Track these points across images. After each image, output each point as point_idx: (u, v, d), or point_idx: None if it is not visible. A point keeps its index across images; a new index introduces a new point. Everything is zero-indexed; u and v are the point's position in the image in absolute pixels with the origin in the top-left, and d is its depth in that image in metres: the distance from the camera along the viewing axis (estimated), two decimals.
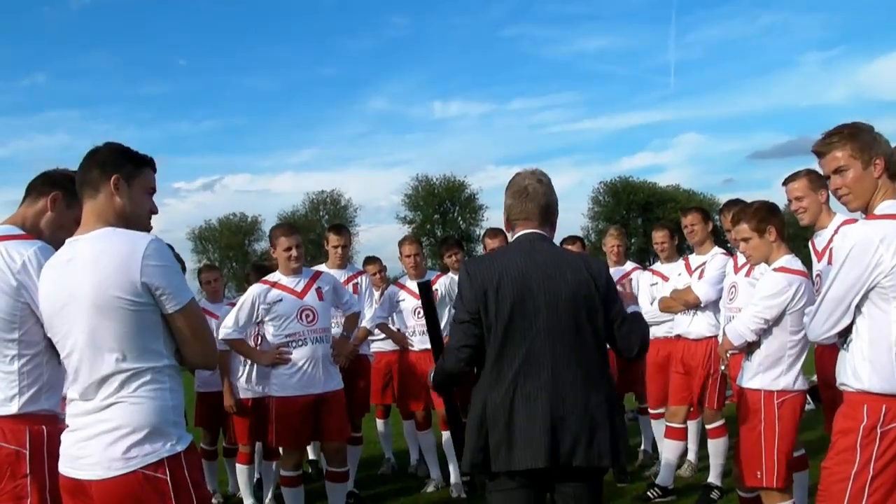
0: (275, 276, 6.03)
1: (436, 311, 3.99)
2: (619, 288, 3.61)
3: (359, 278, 7.25)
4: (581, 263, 3.45)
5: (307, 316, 5.86)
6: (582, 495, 3.36)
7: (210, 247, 74.48)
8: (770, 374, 4.52)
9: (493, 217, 70.53)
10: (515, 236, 3.52)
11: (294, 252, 5.91)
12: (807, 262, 4.71)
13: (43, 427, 3.27)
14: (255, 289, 5.95)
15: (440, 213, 75.54)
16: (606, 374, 3.45)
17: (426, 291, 4.04)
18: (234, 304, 6.89)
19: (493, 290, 3.29)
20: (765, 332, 4.51)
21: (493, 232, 7.12)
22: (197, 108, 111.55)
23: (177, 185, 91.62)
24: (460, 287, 3.44)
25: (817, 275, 4.72)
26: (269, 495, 6.97)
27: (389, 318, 7.45)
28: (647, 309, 7.05)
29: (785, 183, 4.87)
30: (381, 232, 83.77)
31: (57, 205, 3.48)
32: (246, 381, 6.76)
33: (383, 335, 7.54)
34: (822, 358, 4.69)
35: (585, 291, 3.34)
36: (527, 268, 3.33)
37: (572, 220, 74.61)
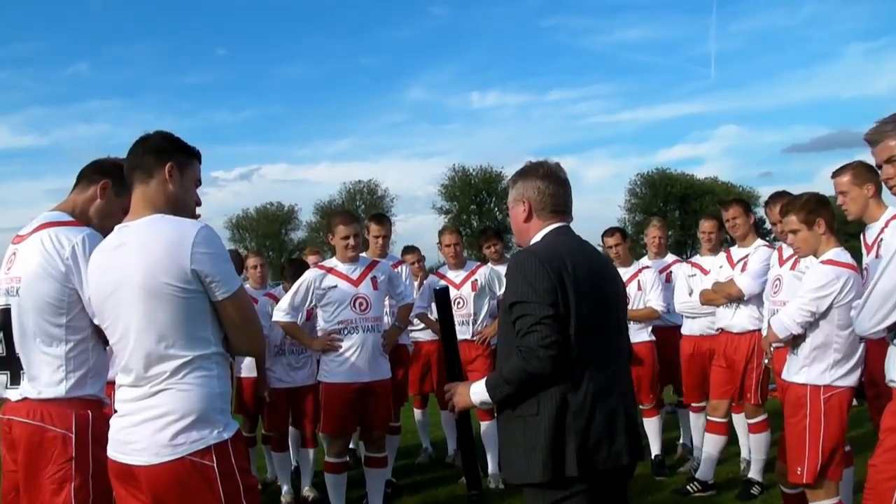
0: (331, 263, 6.08)
1: (452, 318, 3.72)
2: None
3: (399, 268, 7.25)
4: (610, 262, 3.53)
5: (360, 304, 5.88)
6: (622, 492, 3.29)
7: (247, 235, 75.18)
8: (816, 368, 4.45)
9: None
10: (553, 227, 3.30)
11: (352, 241, 5.94)
12: (855, 256, 4.62)
13: (88, 411, 3.32)
14: (310, 273, 6.01)
15: (476, 203, 75.56)
16: None
17: (443, 297, 3.71)
18: (270, 295, 6.99)
19: (570, 279, 3.05)
20: (811, 326, 4.44)
21: None
22: (236, 98, 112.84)
23: (215, 174, 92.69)
24: (531, 277, 3.05)
25: (865, 267, 4.63)
26: (308, 483, 7.00)
27: (429, 308, 7.45)
28: (685, 300, 7.02)
29: (833, 176, 4.79)
30: (417, 222, 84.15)
31: (106, 193, 3.53)
32: (274, 370, 6.82)
33: (422, 325, 7.54)
34: (870, 354, 4.61)
35: (623, 290, 3.40)
36: (591, 259, 3.23)
37: (609, 211, 74.38)
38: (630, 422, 3.18)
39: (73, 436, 3.26)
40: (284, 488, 6.91)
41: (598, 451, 3.05)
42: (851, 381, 4.47)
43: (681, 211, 73.02)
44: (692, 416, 7.31)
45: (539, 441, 3.04)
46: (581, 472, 3.00)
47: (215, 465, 2.74)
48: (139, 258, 2.76)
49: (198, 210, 3.13)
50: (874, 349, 4.39)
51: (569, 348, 3.02)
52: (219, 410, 2.82)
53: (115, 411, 2.90)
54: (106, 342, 3.42)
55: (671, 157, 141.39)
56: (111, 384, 3.63)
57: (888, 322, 3.26)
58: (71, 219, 3.46)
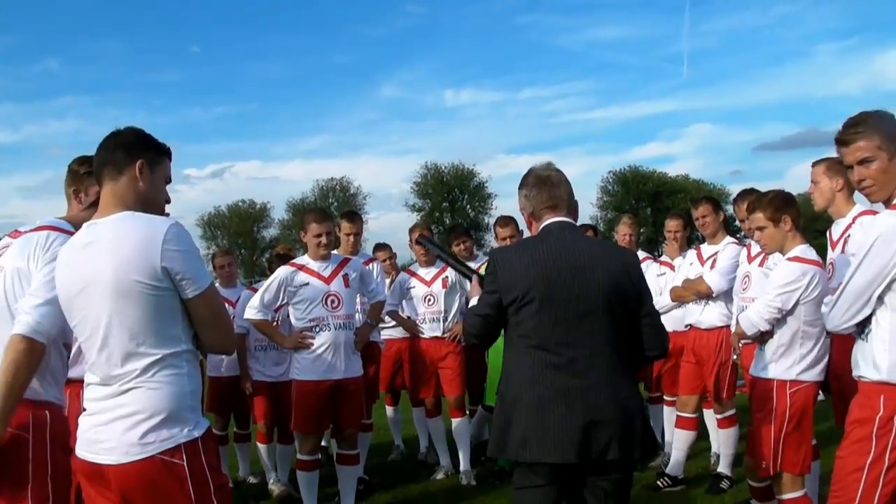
0: (303, 260, 6.08)
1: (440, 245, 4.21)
2: None
3: (370, 265, 7.25)
4: (617, 253, 3.49)
5: (332, 302, 5.89)
6: (613, 490, 3.33)
7: (219, 233, 74.65)
8: (783, 363, 4.51)
9: (502, 205, 70.88)
10: (543, 225, 3.46)
11: (324, 239, 5.95)
12: (822, 252, 4.69)
13: (46, 412, 3.28)
14: (282, 271, 6.01)
15: (449, 201, 75.57)
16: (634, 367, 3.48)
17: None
18: (253, 290, 6.97)
19: (522, 283, 3.26)
20: (778, 322, 4.50)
21: (504, 220, 7.10)
22: (209, 95, 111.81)
23: (187, 171, 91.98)
24: (486, 277, 3.44)
25: (830, 263, 4.69)
26: (285, 479, 6.99)
27: (400, 306, 7.46)
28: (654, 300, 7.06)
29: (812, 165, 4.86)
30: (390, 220, 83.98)
31: None
32: (256, 365, 6.87)
33: (393, 322, 7.54)
34: (835, 348, 4.67)
35: (621, 282, 3.34)
36: (561, 256, 3.29)
37: (582, 209, 72.96)
38: (604, 416, 3.20)
39: (30, 437, 3.22)
40: (271, 478, 6.96)
41: (546, 443, 3.17)
42: (817, 375, 4.53)
43: (653, 208, 73.43)
44: (666, 409, 7.36)
45: (496, 426, 3.37)
46: (524, 458, 3.24)
47: (185, 463, 2.73)
48: (109, 256, 2.75)
49: (171, 207, 3.12)
50: (839, 344, 4.45)
51: (497, 328, 3.43)
52: (189, 408, 2.80)
53: (84, 410, 2.88)
54: (67, 348, 3.42)
55: (644, 155, 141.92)
56: (72, 384, 3.65)
57: (860, 317, 3.30)
58: (72, 229, 3.42)
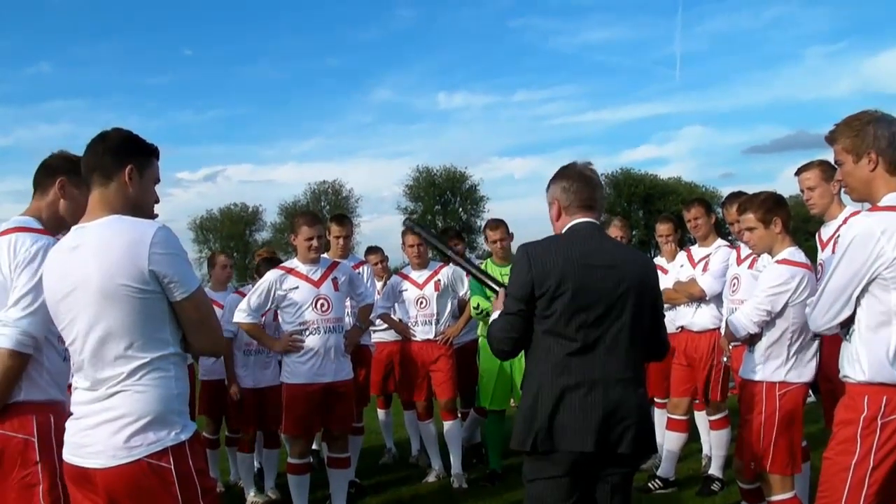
0: (292, 263, 6.07)
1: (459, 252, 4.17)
2: None
3: (361, 268, 7.23)
4: (640, 258, 3.57)
5: (321, 305, 5.89)
6: (622, 483, 3.40)
7: (211, 237, 74.56)
8: (771, 365, 4.51)
9: (494, 208, 70.80)
10: (572, 224, 3.49)
11: (314, 242, 5.95)
12: (810, 255, 4.70)
13: (50, 416, 3.25)
14: (271, 274, 5.99)
15: (441, 204, 75.59)
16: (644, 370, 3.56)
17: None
18: (240, 293, 6.95)
19: (556, 275, 3.29)
20: (767, 324, 4.50)
21: (495, 223, 7.10)
22: (202, 98, 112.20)
23: (180, 175, 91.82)
24: (516, 271, 3.40)
25: (820, 264, 4.71)
26: (271, 484, 6.98)
27: (392, 309, 7.45)
28: None
29: (798, 172, 4.89)
30: (383, 223, 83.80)
31: (67, 191, 3.47)
32: (244, 370, 6.82)
33: (384, 325, 7.53)
34: (825, 350, 4.68)
35: (645, 281, 3.43)
36: (591, 256, 3.36)
37: None
38: (620, 412, 3.28)
39: (36, 440, 3.20)
40: (251, 492, 6.87)
41: (565, 433, 3.24)
42: (806, 377, 4.54)
43: (644, 211, 73.62)
44: (657, 412, 7.36)
45: (520, 419, 3.37)
46: (543, 447, 3.26)
47: (172, 466, 2.72)
48: (96, 260, 2.73)
49: (160, 210, 3.10)
50: (829, 345, 4.47)
51: (527, 339, 3.38)
52: (176, 412, 2.79)
53: (71, 414, 2.87)
54: (63, 344, 3.39)
55: (636, 158, 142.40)
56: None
57: (841, 318, 3.33)
58: (38, 226, 3.40)
